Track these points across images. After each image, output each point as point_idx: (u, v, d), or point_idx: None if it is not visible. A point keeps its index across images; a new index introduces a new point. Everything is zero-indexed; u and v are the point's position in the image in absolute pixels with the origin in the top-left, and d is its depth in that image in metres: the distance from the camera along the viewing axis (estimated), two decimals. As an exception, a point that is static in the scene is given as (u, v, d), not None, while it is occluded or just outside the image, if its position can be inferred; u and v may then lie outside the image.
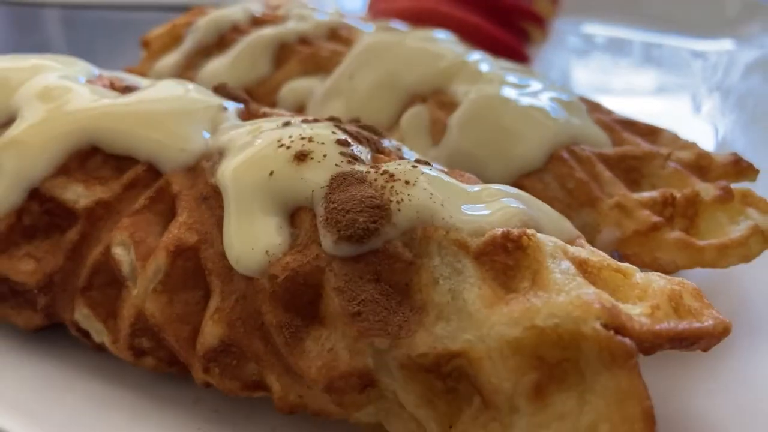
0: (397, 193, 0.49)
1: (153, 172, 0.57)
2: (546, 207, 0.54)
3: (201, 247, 0.53)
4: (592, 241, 0.61)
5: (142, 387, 0.58)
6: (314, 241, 0.49)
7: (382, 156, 0.56)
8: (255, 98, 0.84)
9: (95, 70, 0.70)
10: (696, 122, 1.08)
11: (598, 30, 1.40)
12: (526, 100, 0.68)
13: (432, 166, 0.54)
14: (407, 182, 0.50)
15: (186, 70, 0.89)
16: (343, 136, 0.55)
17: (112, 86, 0.67)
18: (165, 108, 0.59)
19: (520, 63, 1.24)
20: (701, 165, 0.66)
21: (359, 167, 0.52)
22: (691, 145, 0.69)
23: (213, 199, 0.54)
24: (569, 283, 0.45)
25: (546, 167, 0.64)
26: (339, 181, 0.50)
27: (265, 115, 0.64)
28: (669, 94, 1.23)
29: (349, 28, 0.90)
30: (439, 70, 0.75)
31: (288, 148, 0.53)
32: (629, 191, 0.63)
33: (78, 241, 0.56)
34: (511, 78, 0.73)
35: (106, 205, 0.57)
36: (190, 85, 0.65)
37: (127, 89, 0.66)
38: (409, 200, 0.49)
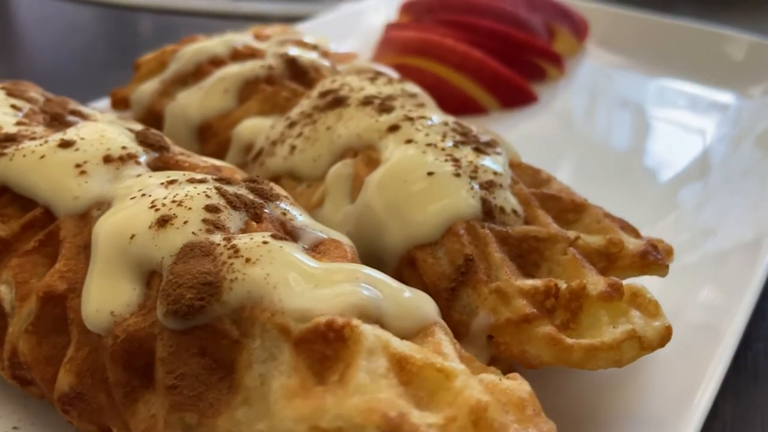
0: (234, 271, 0.50)
1: (50, 215, 0.61)
2: (400, 292, 0.53)
3: (69, 296, 0.56)
4: (469, 324, 0.60)
5: (24, 411, 0.62)
6: (156, 307, 0.51)
7: (253, 224, 0.57)
8: (215, 131, 0.88)
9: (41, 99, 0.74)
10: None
11: (618, 74, 1.36)
12: (444, 168, 0.67)
13: (287, 241, 0.54)
14: (248, 260, 0.51)
15: (161, 98, 0.93)
16: (216, 201, 0.57)
17: (53, 119, 0.72)
18: (66, 155, 0.62)
19: (524, 100, 1.23)
20: (610, 252, 0.64)
21: (214, 237, 0.53)
22: (610, 228, 0.66)
23: (90, 249, 0.57)
24: (369, 384, 0.45)
25: (441, 241, 0.63)
26: (186, 252, 0.52)
27: (178, 163, 0.66)
28: (677, 136, 1.19)
29: (318, 69, 0.91)
30: (376, 126, 0.74)
31: (156, 210, 0.55)
32: (522, 275, 0.61)
33: (-23, 274, 0.61)
34: (446, 141, 0.71)
35: (4, 242, 0.61)
36: (109, 128, 0.67)
37: (65, 124, 0.70)
38: (243, 279, 0.50)
